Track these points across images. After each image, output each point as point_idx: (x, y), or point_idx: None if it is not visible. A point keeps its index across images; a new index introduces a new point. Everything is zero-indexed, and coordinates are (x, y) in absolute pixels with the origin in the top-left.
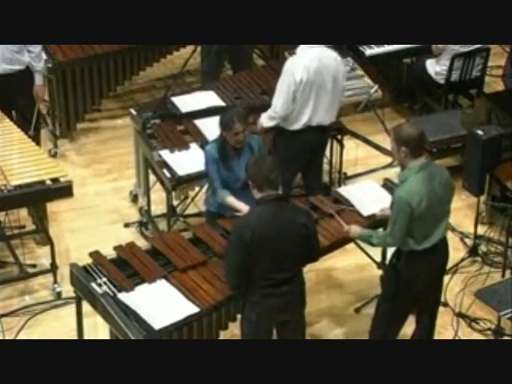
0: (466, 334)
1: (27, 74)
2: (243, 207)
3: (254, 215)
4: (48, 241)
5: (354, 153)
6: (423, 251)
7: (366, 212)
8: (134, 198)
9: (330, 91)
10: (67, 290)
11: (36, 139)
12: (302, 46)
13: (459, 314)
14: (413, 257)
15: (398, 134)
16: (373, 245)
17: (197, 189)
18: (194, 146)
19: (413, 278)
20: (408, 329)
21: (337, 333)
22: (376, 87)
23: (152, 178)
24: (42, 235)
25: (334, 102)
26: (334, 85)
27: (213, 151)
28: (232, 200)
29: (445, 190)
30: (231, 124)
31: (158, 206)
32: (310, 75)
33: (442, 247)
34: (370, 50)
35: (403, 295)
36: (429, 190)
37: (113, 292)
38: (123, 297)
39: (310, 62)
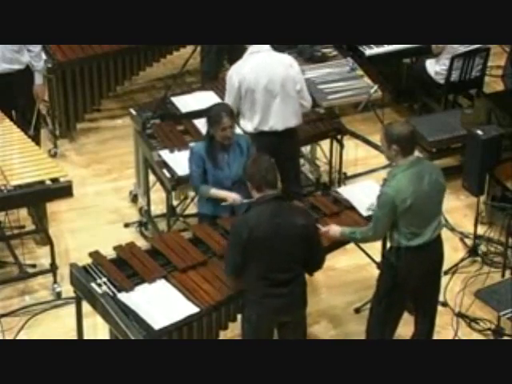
0: (466, 333)
1: (27, 73)
2: (228, 194)
3: (253, 214)
4: (48, 241)
5: (353, 153)
6: (414, 248)
7: (365, 212)
8: (134, 198)
9: (278, 97)
10: (67, 290)
11: (36, 139)
12: (248, 52)
13: (459, 313)
14: (404, 253)
15: (389, 132)
16: (357, 241)
17: None
18: None
19: (405, 275)
20: (406, 329)
21: (337, 333)
22: (376, 87)
23: (152, 178)
24: (42, 235)
25: (286, 107)
26: (282, 90)
27: (200, 150)
28: (215, 191)
29: (434, 189)
30: (219, 119)
31: (158, 206)
32: (249, 82)
33: (435, 246)
34: (370, 50)
35: (397, 292)
36: (416, 188)
37: (113, 292)
38: (123, 297)
39: (248, 70)
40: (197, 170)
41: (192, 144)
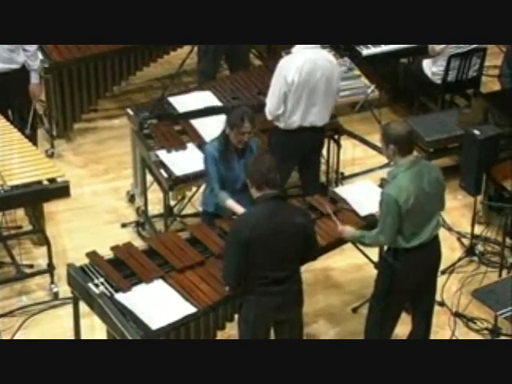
0: (463, 333)
1: (23, 73)
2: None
3: (253, 213)
4: (45, 241)
5: (351, 153)
6: (412, 249)
7: (363, 212)
8: (131, 198)
9: (323, 93)
10: (64, 290)
11: (33, 139)
12: (297, 46)
13: (456, 313)
14: (402, 254)
15: (387, 132)
16: (366, 245)
17: (194, 189)
18: (191, 146)
19: (403, 275)
20: (403, 328)
21: (334, 333)
22: (373, 87)
23: (149, 178)
24: (39, 235)
25: (327, 103)
26: (327, 86)
27: (213, 150)
28: (232, 203)
29: (434, 188)
30: (240, 122)
31: (155, 206)
32: (303, 77)
33: (432, 246)
34: (367, 50)
35: (395, 292)
36: (416, 188)
37: (110, 292)
38: (120, 297)
39: (303, 64)
40: (215, 172)
41: (206, 145)
